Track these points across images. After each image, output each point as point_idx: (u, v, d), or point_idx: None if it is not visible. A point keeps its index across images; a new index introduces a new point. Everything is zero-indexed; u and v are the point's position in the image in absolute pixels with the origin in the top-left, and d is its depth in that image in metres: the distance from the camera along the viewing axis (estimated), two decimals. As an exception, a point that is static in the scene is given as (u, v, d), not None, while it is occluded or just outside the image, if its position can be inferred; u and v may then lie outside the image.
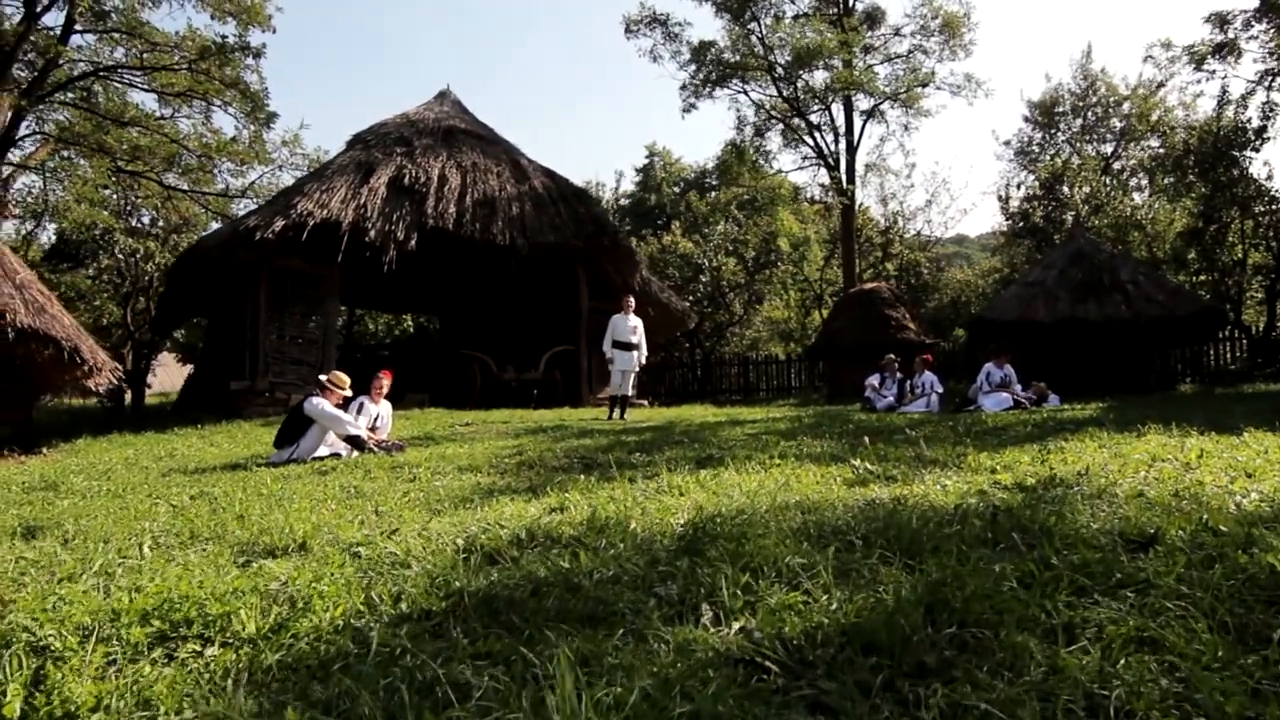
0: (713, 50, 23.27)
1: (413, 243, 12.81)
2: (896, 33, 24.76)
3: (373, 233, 12.52)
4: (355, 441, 7.65)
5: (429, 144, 14.60)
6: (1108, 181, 24.92)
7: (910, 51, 24.49)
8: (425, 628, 1.94)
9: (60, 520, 4.54)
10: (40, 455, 9.50)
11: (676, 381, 27.19)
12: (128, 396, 26.16)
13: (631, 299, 11.99)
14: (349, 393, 7.86)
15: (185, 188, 20.69)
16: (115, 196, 22.63)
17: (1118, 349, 14.48)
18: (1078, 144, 29.16)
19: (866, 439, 5.49)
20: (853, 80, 22.02)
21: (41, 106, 16.26)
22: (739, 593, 1.96)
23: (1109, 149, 28.89)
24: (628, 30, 23.96)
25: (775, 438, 7.13)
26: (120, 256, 24.92)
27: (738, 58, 22.97)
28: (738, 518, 2.94)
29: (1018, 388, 12.06)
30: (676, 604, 1.97)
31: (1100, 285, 14.43)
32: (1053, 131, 30.31)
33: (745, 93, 24.26)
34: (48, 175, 19.12)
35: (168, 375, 31.52)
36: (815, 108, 23.99)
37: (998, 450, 5.64)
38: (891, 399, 12.81)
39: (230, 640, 1.90)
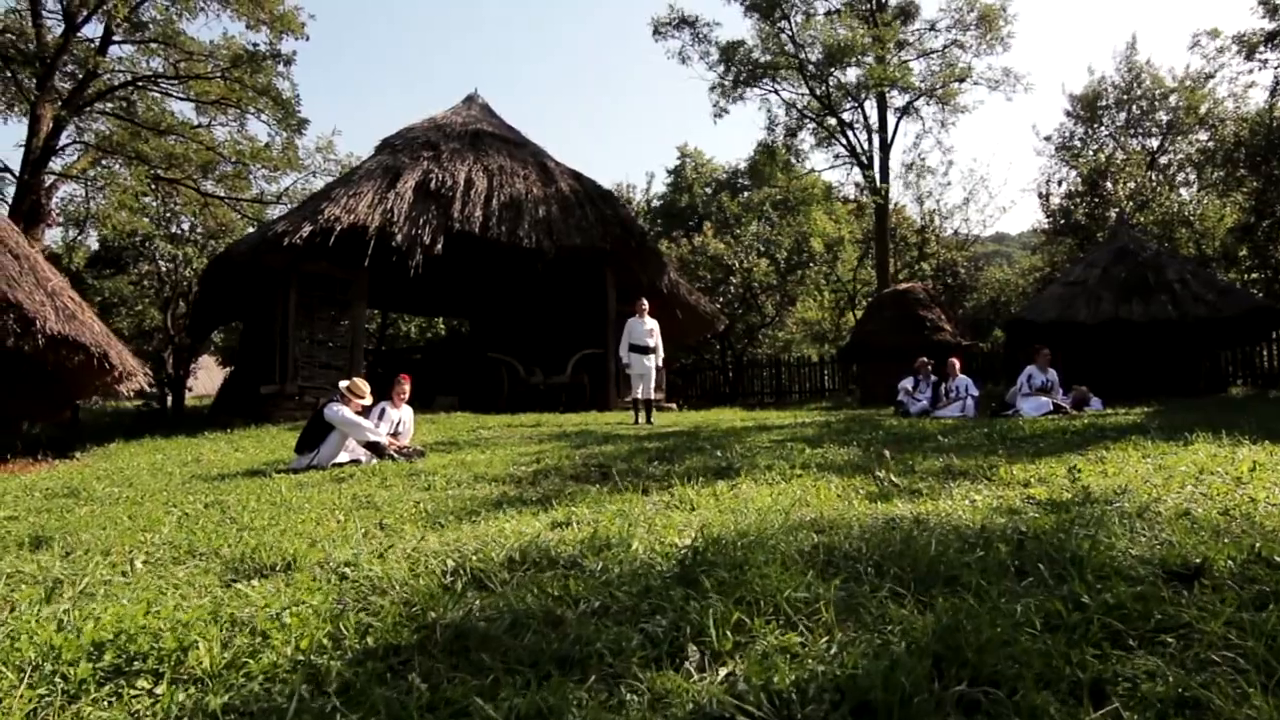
0: (742, 50, 23.02)
1: (439, 247, 12.81)
2: (931, 27, 24.29)
3: (399, 237, 12.55)
4: (375, 448, 7.60)
5: (456, 148, 14.61)
6: (1153, 176, 24.10)
7: (946, 46, 24.00)
8: (389, 666, 1.80)
9: (71, 530, 4.52)
10: (72, 460, 9.65)
11: (708, 384, 26.94)
12: (169, 399, 26.82)
13: (646, 302, 11.86)
14: (368, 401, 7.82)
15: (222, 194, 21.03)
16: (155, 204, 23.13)
17: (1164, 351, 13.91)
18: (1122, 138, 28.29)
19: (886, 452, 5.23)
20: (886, 76, 21.59)
21: (80, 117, 16.62)
22: (729, 633, 1.79)
23: (1155, 143, 27.99)
24: (656, 32, 23.85)
25: (801, 445, 6.91)
26: (160, 262, 25.49)
27: (768, 57, 22.68)
28: (743, 540, 2.76)
29: (1060, 392, 11.63)
30: (662, 643, 1.80)
31: (1145, 284, 13.87)
32: (1096, 126, 29.46)
33: (776, 92, 24.00)
34: (89, 184, 19.58)
35: (209, 378, 32.19)
36: (848, 106, 23.60)
37: (1033, 460, 5.37)
38: (925, 403, 12.45)
39: (183, 677, 1.78)
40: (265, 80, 17.56)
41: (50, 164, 16.74)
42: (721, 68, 23.29)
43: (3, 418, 10.09)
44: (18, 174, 15.92)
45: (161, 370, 26.93)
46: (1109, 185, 23.01)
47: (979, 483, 4.43)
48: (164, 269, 25.73)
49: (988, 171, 74.52)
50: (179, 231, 25.61)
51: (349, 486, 5.90)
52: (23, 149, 15.27)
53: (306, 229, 11.86)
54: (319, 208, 12.40)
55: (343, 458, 7.60)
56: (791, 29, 22.47)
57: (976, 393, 12.31)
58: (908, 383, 12.92)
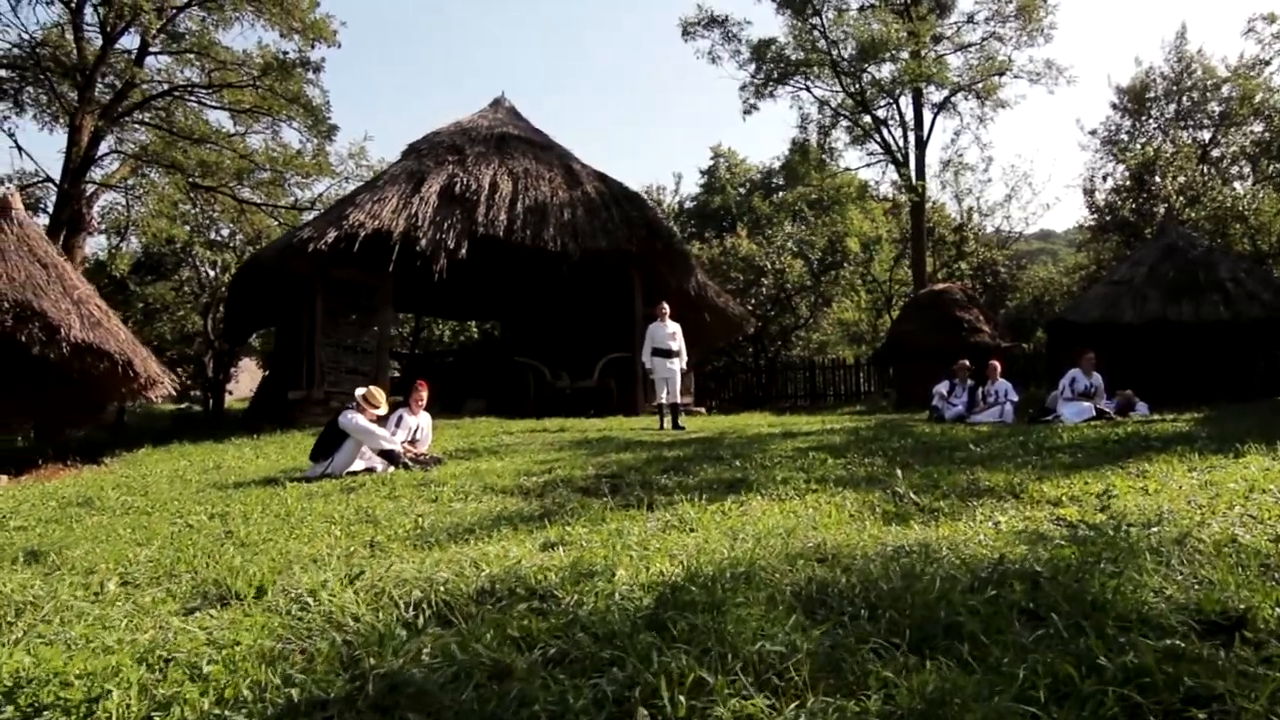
0: (774, 48, 22.64)
1: (463, 251, 12.73)
2: (969, 20, 23.62)
3: (424, 242, 12.50)
4: (390, 456, 7.49)
5: (481, 151, 14.56)
6: (1205, 170, 23.12)
7: (984, 39, 23.31)
8: (309, 725, 1.62)
9: (69, 544, 4.47)
10: (100, 466, 9.76)
11: (740, 387, 26.57)
12: (210, 402, 27.39)
13: (667, 305, 11.63)
14: (384, 410, 7.72)
15: (258, 201, 21.35)
16: (195, 211, 23.61)
17: (1215, 353, 13.23)
18: (1171, 131, 27.21)
19: (899, 471, 4.93)
20: (921, 72, 21.03)
21: (118, 127, 16.98)
22: (683, 698, 1.57)
23: (1206, 135, 26.87)
24: (685, 32, 23.55)
25: (823, 455, 6.63)
26: (201, 268, 26.04)
27: (800, 54, 22.27)
28: (733, 571, 2.54)
29: (1104, 396, 11.12)
30: (609, 704, 1.60)
31: (1195, 283, 13.22)
32: (1144, 119, 28.40)
33: (808, 89, 23.53)
34: (128, 193, 20.02)
35: (251, 381, 32.79)
36: (883, 102, 23.05)
37: (1068, 474, 5.04)
38: (961, 408, 12.00)
39: (88, 733, 1.63)
40: (295, 88, 17.75)
41: (90, 173, 17.14)
42: (752, 66, 22.97)
43: (37, 423, 10.25)
44: (58, 183, 16.33)
45: (202, 373, 27.55)
46: (1157, 180, 22.11)
47: (1005, 501, 4.14)
48: (204, 275, 26.29)
49: (1030, 167, 72.48)
50: (218, 238, 26.16)
51: (356, 497, 5.80)
52: (63, 158, 15.68)
53: (331, 235, 11.87)
54: (344, 213, 12.41)
55: (358, 465, 7.52)
56: (823, 25, 22.03)
57: (1016, 398, 11.84)
58: (943, 386, 12.49)
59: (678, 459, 6.92)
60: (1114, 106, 28.94)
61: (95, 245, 24.93)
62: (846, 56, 21.73)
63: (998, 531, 3.40)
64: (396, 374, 22.63)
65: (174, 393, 11.56)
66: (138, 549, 4.09)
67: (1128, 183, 23.43)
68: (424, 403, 8.43)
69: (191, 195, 20.64)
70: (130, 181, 19.62)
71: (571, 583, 2.69)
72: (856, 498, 4.42)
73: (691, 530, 3.64)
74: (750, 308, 23.76)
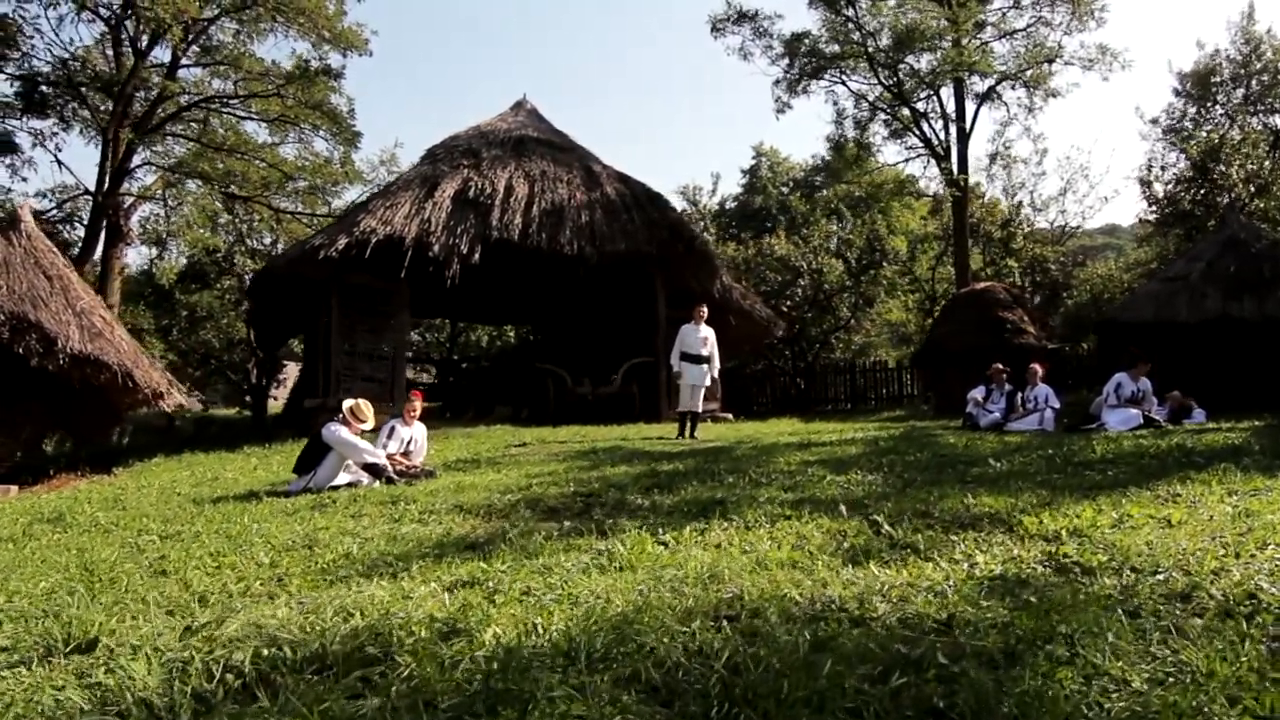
0: (807, 41, 21.92)
1: (476, 256, 12.50)
2: (1015, 4, 22.43)
3: (436, 247, 12.31)
4: (374, 469, 7.23)
5: (497, 155, 14.32)
6: (1276, 157, 21.57)
7: (1030, 25, 22.13)
8: None
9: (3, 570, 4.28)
10: (111, 475, 9.78)
11: (778, 391, 25.85)
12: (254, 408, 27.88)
13: (704, 308, 11.17)
14: (370, 425, 7.48)
15: (292, 209, 21.58)
16: (233, 220, 24.03)
17: (1280, 354, 12.17)
18: (1239, 117, 25.54)
19: (889, 497, 4.41)
20: (963, 61, 20.06)
21: (150, 139, 17.29)
22: None
23: (1278, 120, 25.14)
24: (714, 29, 22.96)
25: (824, 471, 6.15)
26: (243, 276, 26.54)
27: (835, 48, 21.51)
28: (597, 642, 2.11)
29: (1153, 403, 10.28)
30: None
31: (1259, 278, 12.15)
32: (1209, 105, 26.72)
33: (844, 83, 22.71)
34: (166, 203, 20.42)
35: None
36: (922, 94, 22.09)
37: (1087, 497, 4.46)
38: (998, 415, 11.25)
39: None
40: (320, 96, 17.83)
41: (126, 185, 17.50)
42: (785, 61, 22.27)
43: (54, 434, 10.33)
44: (93, 194, 16.71)
45: (246, 380, 28.10)
46: (1221, 168, 20.69)
47: (997, 533, 3.60)
48: (246, 282, 26.78)
49: (1087, 159, 69.39)
50: (260, 247, 26.62)
51: (317, 517, 5.53)
52: (96, 170, 16.05)
53: (342, 241, 11.76)
54: (356, 220, 12.31)
55: (342, 479, 7.27)
56: (858, 15, 21.19)
57: (1058, 404, 11.04)
58: (978, 392, 11.76)
59: (671, 474, 6.52)
60: (1176, 93, 27.32)
61: (139, 256, 25.61)
62: (883, 47, 20.88)
63: (970, 576, 2.89)
64: (431, 381, 22.77)
65: (185, 401, 11.58)
66: (52, 575, 3.86)
67: (1189, 172, 22.01)
68: (417, 413, 8.18)
69: (229, 205, 20.97)
70: (164, 193, 20.01)
71: (430, 643, 2.31)
72: (831, 526, 3.93)
73: (620, 569, 3.21)
74: (786, 309, 23.08)
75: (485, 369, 23.17)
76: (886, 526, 3.70)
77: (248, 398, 29.30)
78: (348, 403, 7.59)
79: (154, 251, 23.18)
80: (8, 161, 18.44)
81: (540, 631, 2.31)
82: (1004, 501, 4.30)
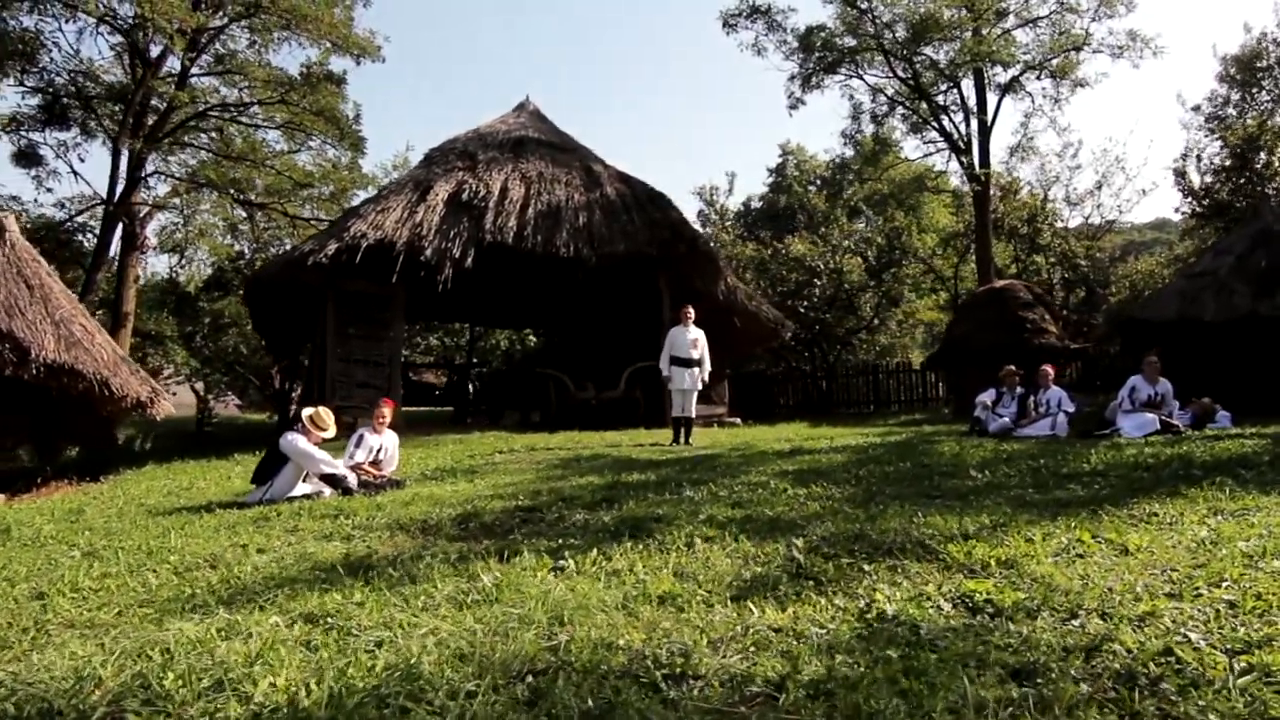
0: (822, 34, 21.35)
1: (469, 260, 12.30)
2: (1037, -10, 21.58)
3: (428, 251, 12.13)
4: (332, 480, 7.01)
5: (494, 156, 14.12)
6: (1321, 145, 20.41)
7: (1054, 11, 21.24)
8: None
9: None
10: (96, 483, 9.77)
11: (799, 394, 25.26)
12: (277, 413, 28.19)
13: (691, 309, 10.85)
14: (331, 434, 7.26)
15: (306, 216, 21.70)
16: (256, 227, 24.28)
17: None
18: (1286, 102, 24.30)
19: (814, 523, 4.02)
20: (982, 51, 19.33)
21: (160, 149, 17.47)
22: None
23: (1325, 106, 23.87)
24: (726, 25, 22.49)
25: (787, 485, 5.82)
26: (259, 283, 26.82)
27: (851, 40, 20.92)
28: (348, 700, 1.81)
29: (1174, 406, 9.67)
30: None
31: (1293, 273, 11.40)
32: (1254, 90, 25.49)
33: (860, 77, 22.09)
34: (181, 212, 20.67)
35: (322, 392, 33.68)
36: (941, 87, 21.35)
37: (1051, 515, 4.05)
38: (1008, 420, 10.69)
39: None
40: (325, 102, 17.84)
41: (141, 193, 17.70)
42: (800, 56, 21.71)
43: (39, 443, 10.37)
44: (105, 203, 16.94)
45: (269, 385, 28.43)
46: (1263, 156, 19.63)
47: (918, 563, 3.20)
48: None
49: (1123, 151, 66.71)
50: (280, 253, 26.91)
51: (252, 532, 5.31)
52: (108, 179, 16.27)
53: (332, 247, 11.65)
54: (346, 225, 12.19)
55: (303, 489, 7.06)
56: (872, 7, 20.55)
57: (1071, 408, 10.43)
58: (987, 396, 11.19)
59: (631, 486, 6.24)
60: (1220, 78, 26.14)
61: (160, 264, 25.99)
62: (899, 39, 20.23)
63: (860, 617, 2.53)
64: (443, 385, 22.72)
65: (175, 409, 11.56)
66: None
67: (1227, 162, 20.95)
68: (387, 421, 7.94)
69: (244, 212, 21.16)
70: (178, 201, 20.26)
71: (194, 696, 2.03)
72: (747, 551, 3.59)
73: (479, 603, 2.91)
74: (803, 310, 22.52)
75: (498, 374, 23.05)
76: (797, 555, 3.33)
77: (273, 403, 29.68)
78: (307, 411, 7.38)
79: (175, 259, 23.49)
80: (32, 173, 18.82)
81: (311, 690, 2.01)
82: (951, 522, 3.90)
